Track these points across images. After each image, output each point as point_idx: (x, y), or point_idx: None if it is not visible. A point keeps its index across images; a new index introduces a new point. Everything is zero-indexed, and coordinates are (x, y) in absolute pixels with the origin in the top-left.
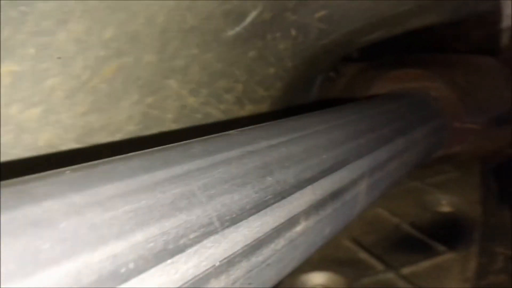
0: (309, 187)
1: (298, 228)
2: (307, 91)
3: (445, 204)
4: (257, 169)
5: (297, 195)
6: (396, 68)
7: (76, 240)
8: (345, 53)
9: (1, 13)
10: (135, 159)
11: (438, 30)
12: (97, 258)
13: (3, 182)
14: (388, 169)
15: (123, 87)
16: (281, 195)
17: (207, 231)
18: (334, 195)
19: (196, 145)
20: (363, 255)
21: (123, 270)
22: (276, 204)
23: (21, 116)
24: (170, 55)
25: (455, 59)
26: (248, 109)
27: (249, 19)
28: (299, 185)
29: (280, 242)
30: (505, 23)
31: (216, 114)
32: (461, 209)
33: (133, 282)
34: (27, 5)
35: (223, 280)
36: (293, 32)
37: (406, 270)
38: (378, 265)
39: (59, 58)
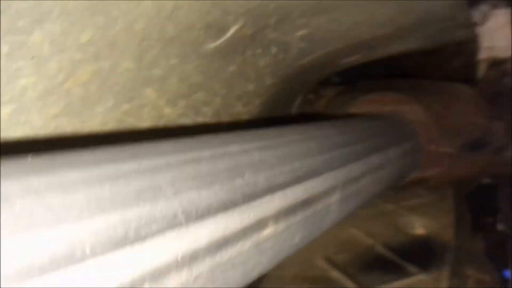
0: (280, 192)
1: (266, 232)
2: (286, 111)
3: (418, 227)
4: (228, 170)
5: (267, 198)
6: (373, 92)
7: (31, 219)
8: (325, 75)
9: None
10: (102, 151)
11: (419, 59)
12: (52, 239)
13: None
14: (362, 183)
15: (99, 92)
16: (251, 197)
17: (170, 224)
18: (305, 203)
19: (167, 143)
20: (335, 274)
21: (78, 252)
22: (245, 205)
23: None
24: (149, 63)
25: (431, 85)
26: (226, 124)
27: (229, 33)
28: (270, 189)
29: (247, 244)
30: (482, 55)
31: (192, 127)
32: (434, 232)
33: (88, 265)
34: (1, 3)
35: (184, 274)
36: (273, 50)
37: None
38: (350, 284)
39: (32, 58)
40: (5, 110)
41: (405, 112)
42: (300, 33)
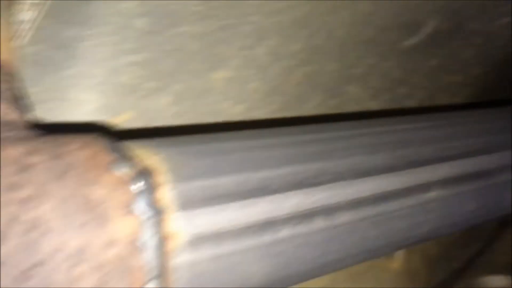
0: (447, 162)
1: (431, 195)
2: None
3: None
4: (393, 142)
5: (431, 167)
6: None
7: (244, 164)
8: None
9: (219, 34)
10: (296, 128)
11: None
12: (256, 176)
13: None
14: None
15: (309, 91)
16: (413, 164)
17: (338, 177)
18: (479, 175)
19: (344, 124)
20: None
21: (272, 187)
22: (407, 170)
23: (231, 111)
24: (350, 64)
25: None
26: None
27: (425, 30)
28: (435, 159)
29: (410, 201)
30: None
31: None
32: None
33: (277, 196)
34: (235, 28)
35: (351, 214)
36: (477, 40)
37: None
38: None
39: (258, 67)
40: (240, 107)
41: None
42: (505, 20)
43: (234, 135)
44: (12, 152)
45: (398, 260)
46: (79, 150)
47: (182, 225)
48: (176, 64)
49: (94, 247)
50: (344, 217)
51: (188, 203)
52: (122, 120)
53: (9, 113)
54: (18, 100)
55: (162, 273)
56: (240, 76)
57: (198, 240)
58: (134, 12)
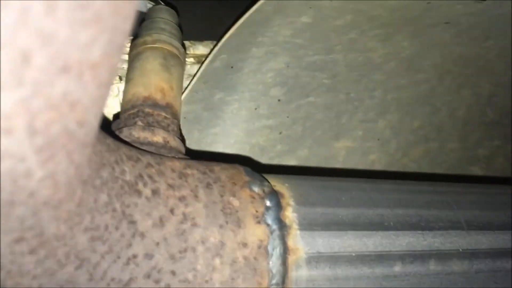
0: None
1: None
2: None
3: None
4: (507, 203)
5: None
6: None
7: (360, 201)
8: None
9: (343, 106)
10: (412, 181)
11: None
12: (372, 212)
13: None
14: None
15: (429, 167)
16: None
17: (453, 226)
18: None
19: (461, 184)
20: None
21: (386, 224)
22: None
23: None
24: (473, 144)
25: None
26: None
27: None
28: None
29: None
30: None
31: None
32: None
33: (391, 233)
34: (359, 101)
35: (465, 264)
36: None
37: None
38: None
39: (378, 139)
40: None
41: None
42: None
43: (352, 179)
44: (174, 164)
45: None
46: (223, 170)
47: (302, 243)
48: (303, 131)
49: (230, 245)
50: (459, 266)
51: (308, 225)
52: None
53: (171, 141)
54: (178, 134)
55: (283, 280)
56: (361, 147)
57: (316, 259)
58: (271, 82)
